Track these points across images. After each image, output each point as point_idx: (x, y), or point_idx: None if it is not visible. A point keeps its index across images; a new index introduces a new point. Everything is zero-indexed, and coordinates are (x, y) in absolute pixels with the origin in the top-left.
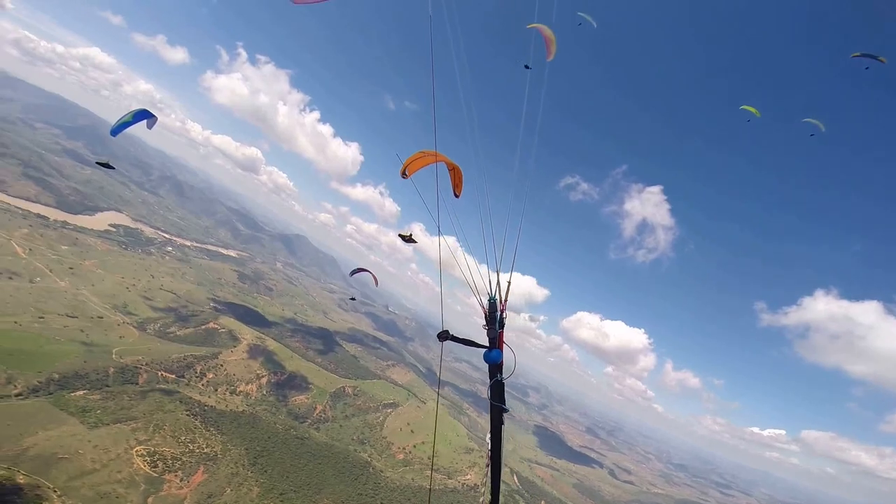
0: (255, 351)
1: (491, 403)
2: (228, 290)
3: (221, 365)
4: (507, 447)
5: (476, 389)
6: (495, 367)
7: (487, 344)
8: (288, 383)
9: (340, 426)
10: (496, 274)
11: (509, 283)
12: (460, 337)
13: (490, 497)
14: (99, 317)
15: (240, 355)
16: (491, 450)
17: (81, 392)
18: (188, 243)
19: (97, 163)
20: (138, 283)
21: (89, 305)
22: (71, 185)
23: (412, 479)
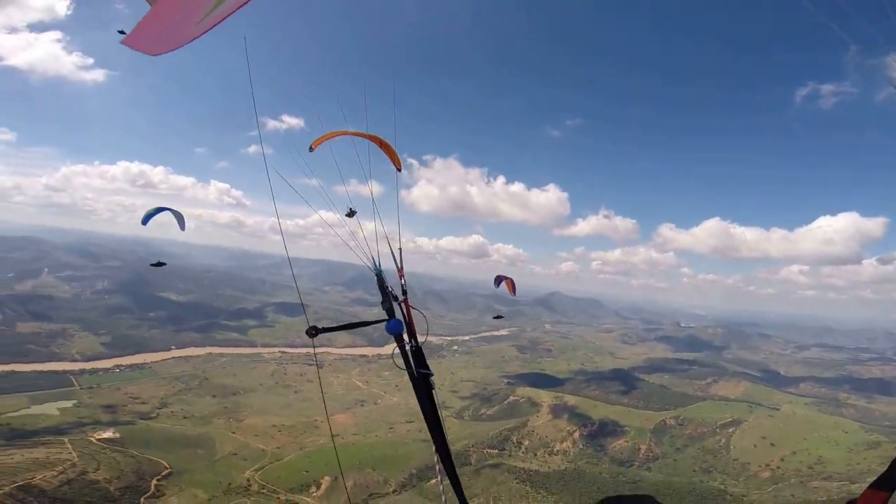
0: (557, 410)
1: (412, 373)
2: (514, 364)
3: (532, 431)
4: None
5: (848, 373)
6: (400, 336)
7: (386, 317)
8: (600, 432)
9: (675, 460)
10: (386, 241)
11: (400, 249)
12: (335, 325)
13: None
14: None
15: (545, 418)
16: (430, 428)
17: (434, 481)
18: (466, 337)
19: (151, 265)
20: (445, 382)
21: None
22: None
23: (792, 494)
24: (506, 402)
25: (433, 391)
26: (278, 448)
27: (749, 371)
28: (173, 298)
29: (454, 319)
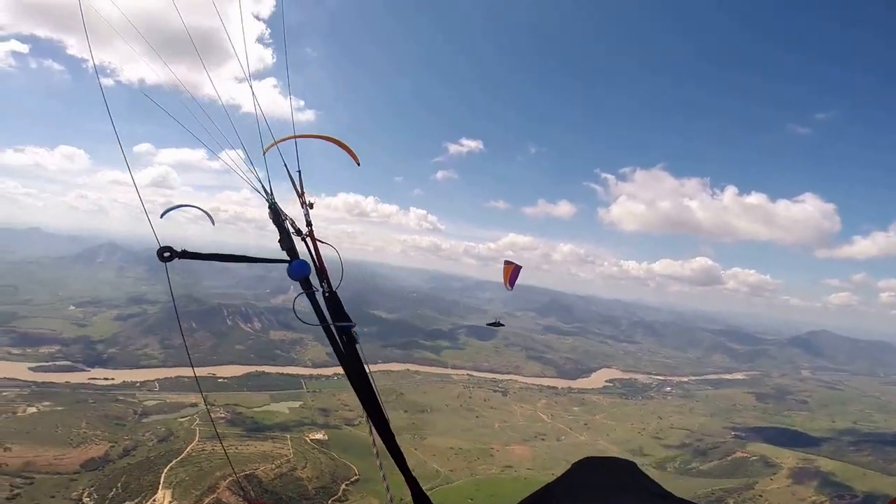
0: (802, 475)
1: (326, 326)
2: (748, 414)
3: (760, 495)
4: None
5: None
6: (307, 280)
7: (287, 258)
8: None
9: None
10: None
11: (299, 171)
12: (202, 252)
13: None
14: None
15: (782, 482)
16: (356, 389)
17: None
18: (685, 379)
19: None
20: (648, 427)
21: (608, 453)
22: (562, 355)
23: None
24: (729, 457)
25: (358, 345)
26: (451, 471)
27: None
28: (382, 316)
29: (670, 357)
